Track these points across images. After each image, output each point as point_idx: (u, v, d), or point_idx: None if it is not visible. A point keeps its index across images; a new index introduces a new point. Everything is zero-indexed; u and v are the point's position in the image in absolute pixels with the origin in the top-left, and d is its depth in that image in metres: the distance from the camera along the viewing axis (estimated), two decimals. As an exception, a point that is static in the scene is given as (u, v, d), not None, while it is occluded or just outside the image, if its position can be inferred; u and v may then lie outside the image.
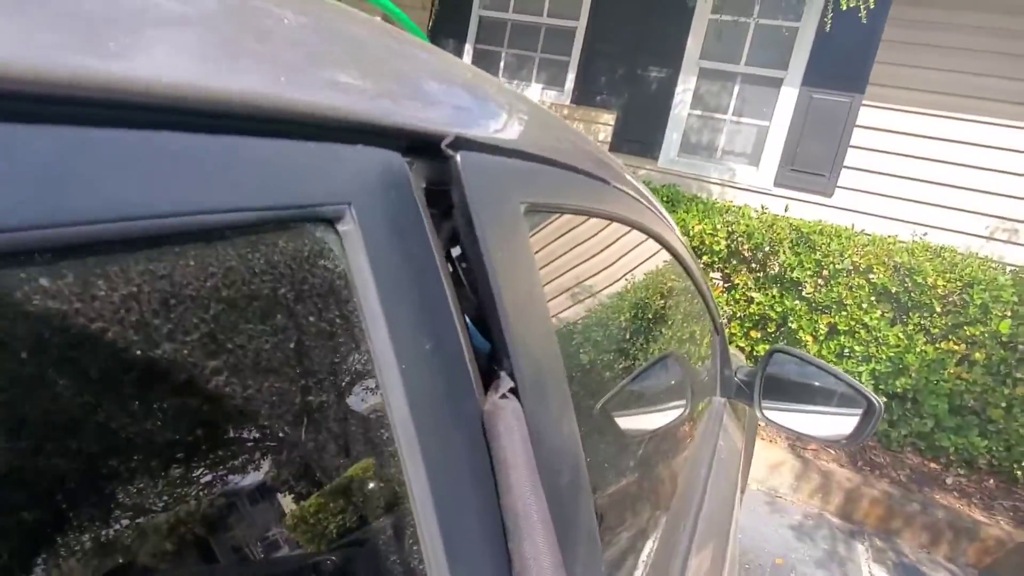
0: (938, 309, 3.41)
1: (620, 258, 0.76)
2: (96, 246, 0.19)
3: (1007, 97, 4.13)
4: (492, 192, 0.38)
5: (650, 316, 0.94)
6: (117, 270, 0.19)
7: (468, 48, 5.79)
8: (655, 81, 5.17)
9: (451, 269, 0.37)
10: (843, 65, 4.51)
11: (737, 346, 3.92)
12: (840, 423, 1.33)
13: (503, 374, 0.35)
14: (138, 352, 0.21)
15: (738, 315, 3.93)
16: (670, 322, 1.07)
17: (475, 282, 0.35)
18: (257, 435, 0.24)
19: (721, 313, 3.93)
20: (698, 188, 5.02)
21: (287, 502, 0.26)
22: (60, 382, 0.19)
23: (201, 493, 0.23)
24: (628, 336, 0.85)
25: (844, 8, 3.53)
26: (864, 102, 4.50)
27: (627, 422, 0.96)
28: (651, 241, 0.87)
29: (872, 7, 3.46)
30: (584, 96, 5.45)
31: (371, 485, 0.29)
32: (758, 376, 1.43)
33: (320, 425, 0.27)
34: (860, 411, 1.30)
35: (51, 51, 0.17)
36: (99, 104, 0.19)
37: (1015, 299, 3.23)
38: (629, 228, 0.76)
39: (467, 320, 0.36)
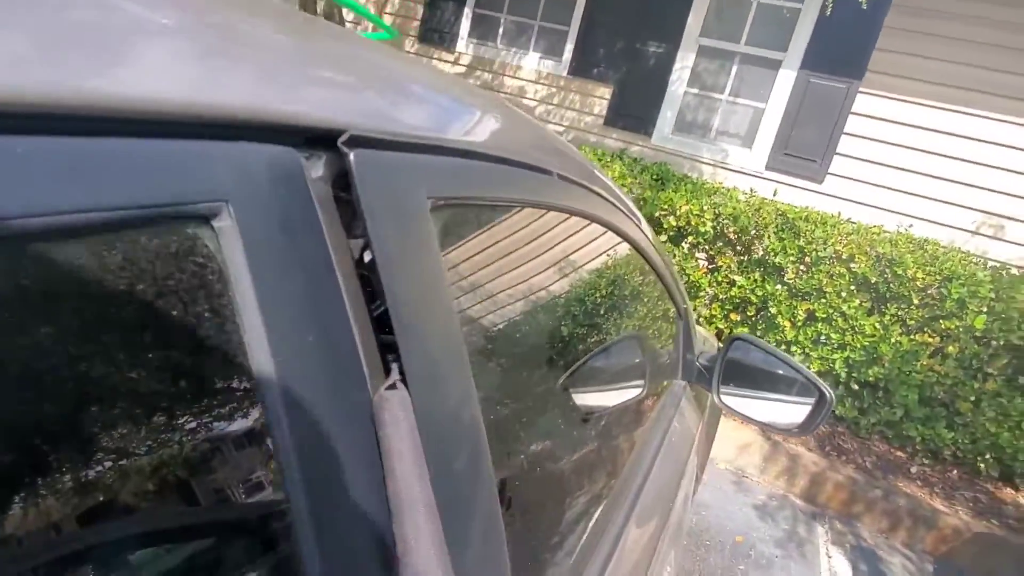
0: (916, 301, 3.44)
1: (561, 248, 0.76)
2: None
3: (1006, 92, 4.11)
4: (391, 188, 0.38)
5: (596, 304, 0.96)
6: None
7: (467, 12, 5.69)
8: (653, 56, 5.11)
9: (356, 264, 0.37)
10: (842, 50, 4.47)
11: (716, 327, 3.96)
12: (794, 412, 1.36)
13: (393, 365, 0.36)
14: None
15: (719, 297, 3.96)
16: (622, 309, 1.08)
17: (370, 277, 0.36)
18: (124, 435, 0.25)
19: (703, 294, 3.95)
20: (690, 168, 5.00)
21: (162, 495, 0.27)
22: None
23: (67, 500, 0.23)
24: (571, 323, 0.86)
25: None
26: (861, 89, 4.47)
27: (582, 399, 0.98)
28: (603, 231, 0.88)
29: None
30: (581, 68, 5.38)
31: (245, 479, 0.30)
32: (718, 362, 1.45)
33: (191, 420, 0.28)
34: (812, 401, 1.32)
35: None
36: None
37: (992, 295, 3.27)
38: (574, 218, 0.77)
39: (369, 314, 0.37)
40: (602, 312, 0.98)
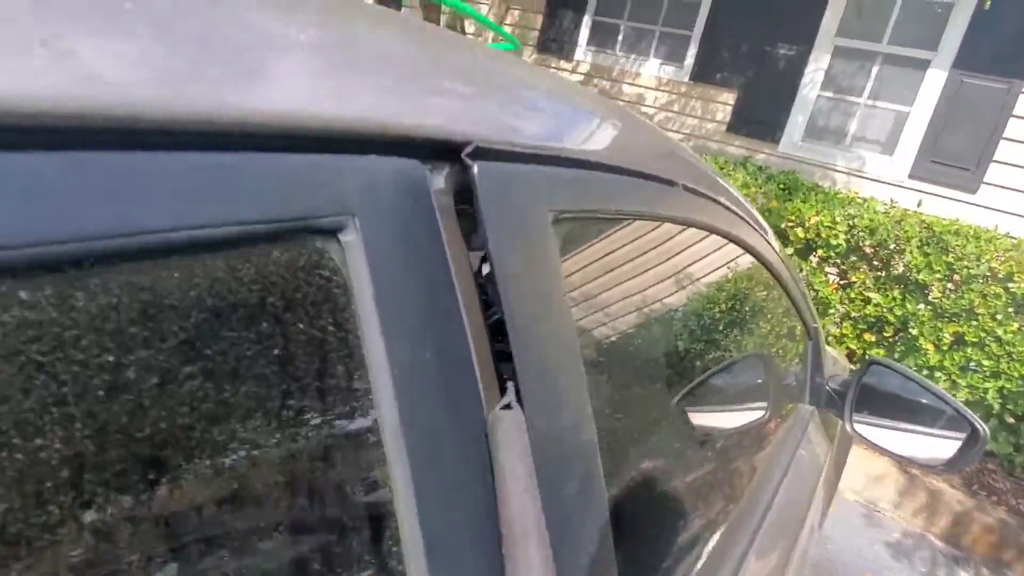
0: (1090, 328, 3.03)
1: (682, 261, 0.73)
2: (97, 259, 0.21)
3: None
4: (512, 201, 0.38)
5: (717, 319, 0.91)
6: (113, 282, 0.22)
7: (586, 20, 5.68)
8: (783, 59, 4.85)
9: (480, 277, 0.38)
10: (1003, 46, 4.02)
11: (847, 348, 3.68)
12: (938, 446, 1.23)
13: (508, 384, 0.36)
14: (126, 357, 0.23)
15: (852, 315, 3.68)
16: (745, 325, 1.02)
17: (490, 291, 0.36)
18: (247, 444, 0.26)
19: (833, 312, 3.69)
20: (821, 176, 4.70)
21: (279, 506, 0.28)
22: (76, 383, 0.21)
23: (194, 496, 0.25)
24: (690, 339, 0.82)
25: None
26: (1026, 89, 4.01)
27: (699, 420, 0.94)
28: (727, 243, 0.83)
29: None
30: (704, 73, 5.21)
31: (358, 491, 0.31)
32: (852, 388, 1.34)
33: (312, 433, 0.29)
34: (963, 436, 1.19)
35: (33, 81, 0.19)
36: (108, 131, 0.21)
37: None
38: (698, 230, 0.73)
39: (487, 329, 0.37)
40: (723, 328, 0.94)
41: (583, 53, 5.79)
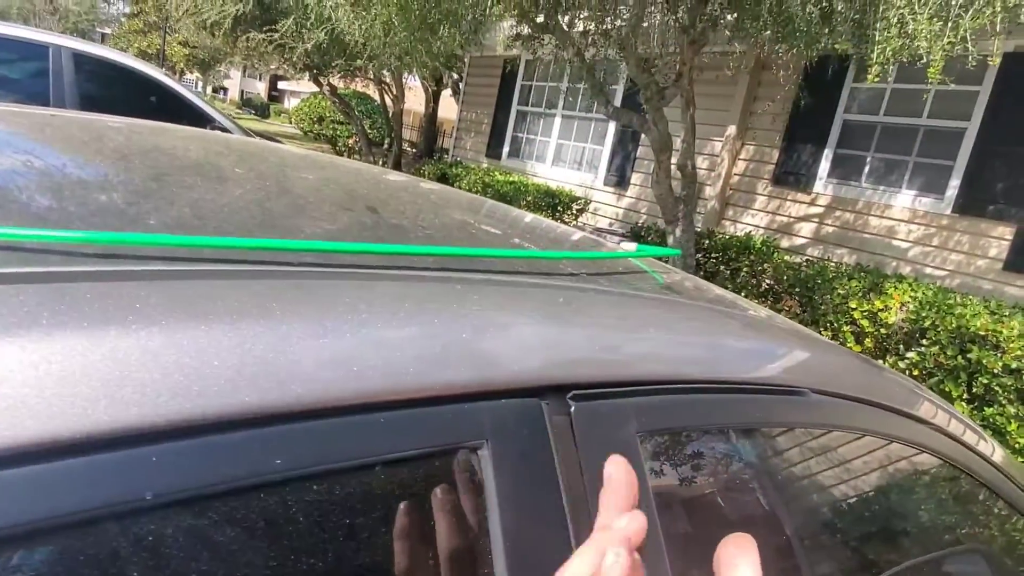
0: None
1: (810, 465, 0.69)
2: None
3: None
4: (604, 429, 0.48)
5: (885, 532, 0.81)
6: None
7: (827, 152, 5.49)
8: (1078, 189, 4.15)
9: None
10: None
11: None
12: None
13: None
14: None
15: None
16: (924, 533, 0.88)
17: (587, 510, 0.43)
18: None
19: None
20: None
21: None
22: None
23: None
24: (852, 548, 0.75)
25: None
26: None
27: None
28: (875, 442, 0.76)
29: None
30: (971, 205, 4.65)
31: None
32: None
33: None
34: None
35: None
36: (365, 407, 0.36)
37: None
38: (832, 434, 0.69)
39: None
40: (895, 539, 0.83)
41: (823, 186, 5.55)
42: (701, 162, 6.12)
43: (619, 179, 7.25)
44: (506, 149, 8.71)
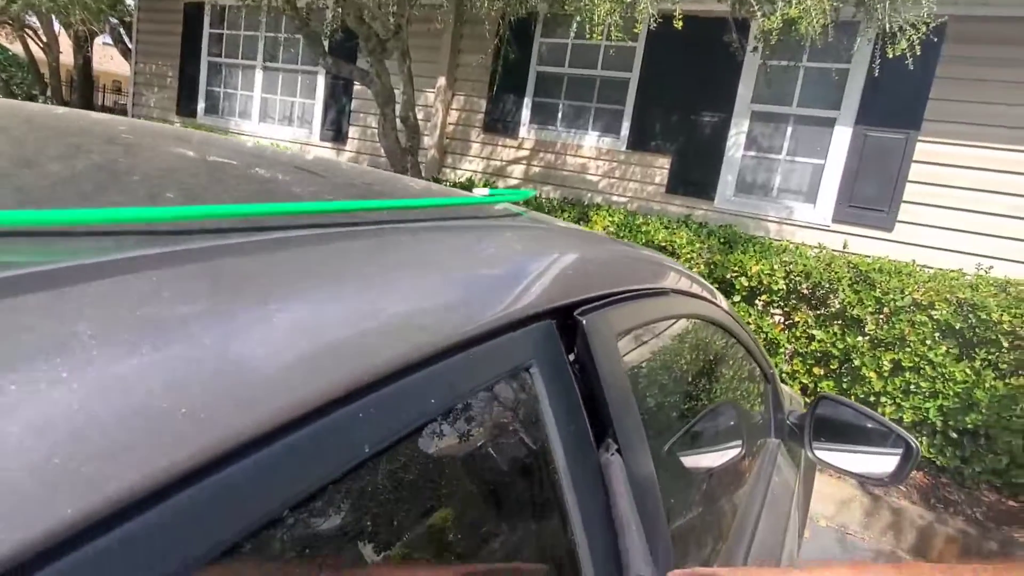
0: (1005, 345, 3.42)
1: (678, 347, 0.97)
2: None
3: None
4: (600, 334, 0.62)
5: (705, 380, 1.15)
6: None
7: (528, 101, 6.14)
8: (708, 125, 5.36)
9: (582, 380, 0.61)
10: (896, 103, 4.60)
11: (800, 383, 3.99)
12: (884, 463, 1.48)
13: (609, 440, 0.58)
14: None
15: (800, 352, 4.01)
16: (718, 381, 1.26)
17: (594, 390, 0.59)
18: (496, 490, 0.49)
19: (783, 350, 4.01)
20: (755, 226, 5.14)
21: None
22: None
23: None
24: (690, 399, 1.05)
25: (891, 56, 3.65)
26: (920, 138, 4.56)
27: (691, 461, 1.15)
28: (702, 323, 1.08)
29: (918, 54, 3.57)
30: (639, 142, 5.68)
31: (544, 495, 0.53)
32: (808, 420, 1.59)
33: (529, 477, 0.51)
34: (900, 451, 1.44)
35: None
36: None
37: (1085, 333, 3.21)
38: (687, 318, 0.98)
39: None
40: (702, 386, 1.17)
41: (527, 131, 6.22)
42: (418, 113, 6.34)
43: (336, 133, 7.13)
44: (201, 105, 7.86)
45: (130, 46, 8.70)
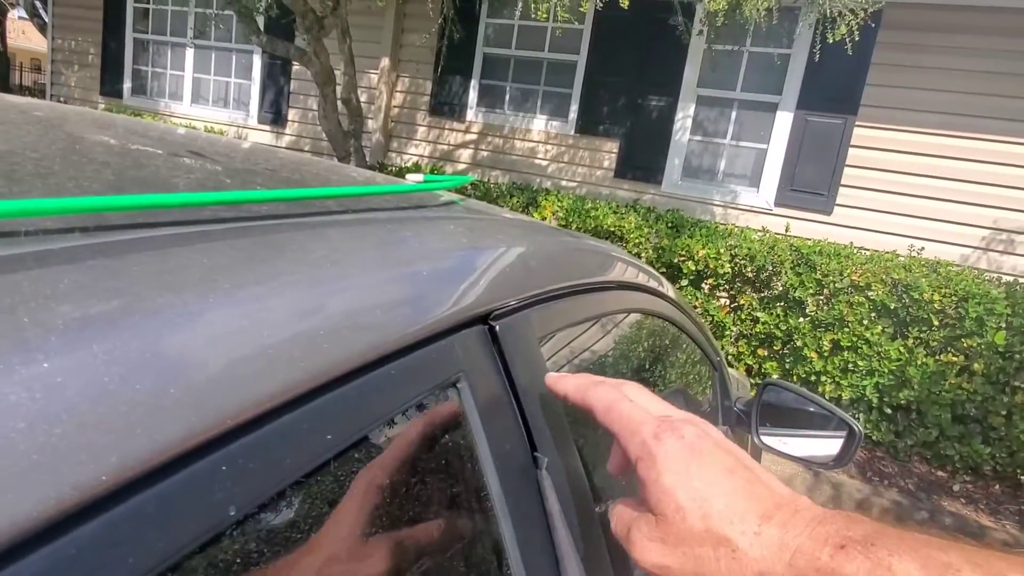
0: (936, 323, 3.55)
1: (620, 340, 0.94)
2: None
3: (994, 113, 4.30)
4: (519, 337, 0.57)
5: (652, 372, 1.12)
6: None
7: (474, 83, 6.03)
8: (655, 109, 5.38)
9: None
10: (835, 89, 4.70)
11: (745, 364, 4.07)
12: (828, 446, 1.50)
13: (537, 455, 0.53)
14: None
15: (745, 334, 4.08)
16: (670, 370, 1.24)
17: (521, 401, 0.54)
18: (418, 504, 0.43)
19: (729, 333, 4.08)
20: (702, 211, 5.20)
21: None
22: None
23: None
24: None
25: (831, 42, 3.71)
26: (857, 123, 4.68)
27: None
28: (648, 316, 1.05)
29: (856, 39, 3.65)
30: (587, 126, 5.66)
31: (479, 522, 0.48)
32: (754, 406, 1.59)
33: (458, 492, 0.46)
34: (844, 435, 1.46)
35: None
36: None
37: (1008, 311, 3.37)
38: (630, 313, 0.94)
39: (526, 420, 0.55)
40: (655, 376, 1.15)
41: (474, 114, 6.12)
42: (361, 95, 6.15)
43: (275, 116, 6.86)
44: (127, 85, 7.44)
45: (47, 20, 8.15)
